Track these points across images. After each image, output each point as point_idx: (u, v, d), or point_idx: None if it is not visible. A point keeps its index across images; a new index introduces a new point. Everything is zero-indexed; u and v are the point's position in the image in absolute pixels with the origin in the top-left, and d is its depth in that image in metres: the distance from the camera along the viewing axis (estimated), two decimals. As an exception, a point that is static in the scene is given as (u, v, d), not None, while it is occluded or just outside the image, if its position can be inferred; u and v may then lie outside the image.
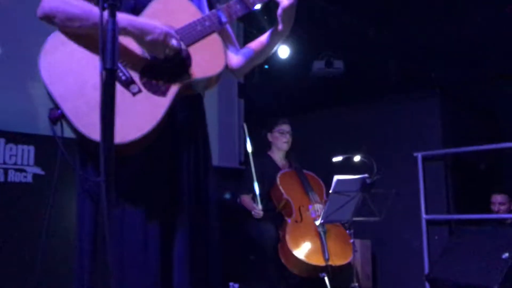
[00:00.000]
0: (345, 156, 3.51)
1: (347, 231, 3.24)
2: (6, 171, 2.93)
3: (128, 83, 1.36)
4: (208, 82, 1.51)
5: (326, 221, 3.10)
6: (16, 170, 2.97)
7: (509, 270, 3.00)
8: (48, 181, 3.00)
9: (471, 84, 4.92)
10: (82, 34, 1.37)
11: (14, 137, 3.00)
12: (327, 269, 3.07)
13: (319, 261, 3.12)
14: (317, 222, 3.19)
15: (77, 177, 1.44)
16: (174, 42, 1.37)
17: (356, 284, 3.11)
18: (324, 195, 3.59)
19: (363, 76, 5.13)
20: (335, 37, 4.86)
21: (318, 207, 3.45)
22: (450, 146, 4.48)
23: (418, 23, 4.34)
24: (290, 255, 3.20)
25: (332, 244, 3.22)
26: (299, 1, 1.48)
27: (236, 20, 1.54)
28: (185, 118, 1.49)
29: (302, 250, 3.21)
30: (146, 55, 1.41)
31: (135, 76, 1.38)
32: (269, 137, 3.81)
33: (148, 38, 1.34)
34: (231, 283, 3.67)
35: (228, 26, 1.63)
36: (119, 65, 1.36)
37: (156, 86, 1.39)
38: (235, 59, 1.66)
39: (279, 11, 1.49)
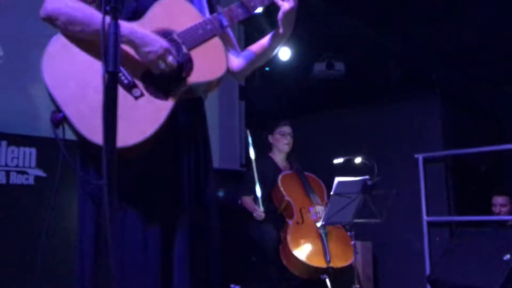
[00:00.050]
0: (346, 158, 3.52)
1: (348, 233, 3.24)
2: (8, 173, 2.94)
3: (130, 87, 1.37)
4: (209, 85, 1.51)
5: (327, 223, 3.10)
6: (18, 172, 2.97)
7: (510, 271, 3.01)
8: (50, 183, 3.00)
9: (471, 86, 4.92)
10: (83, 39, 1.37)
11: (16, 139, 3.00)
12: (329, 271, 3.07)
13: (320, 263, 3.12)
14: (318, 224, 3.19)
15: (78, 179, 1.45)
16: (170, 58, 1.37)
17: (357, 286, 3.12)
18: (325, 197, 3.60)
19: (363, 78, 5.13)
20: (336, 39, 4.86)
21: (319, 209, 3.45)
22: (451, 148, 4.49)
23: (419, 25, 4.34)
24: (291, 257, 3.20)
25: (333, 246, 3.22)
26: (299, 3, 1.48)
27: (236, 23, 1.55)
28: (185, 120, 1.50)
29: (304, 252, 3.21)
30: None
31: (137, 80, 1.39)
32: (270, 139, 3.82)
33: (147, 49, 1.34)
34: (232, 285, 3.67)
35: (228, 29, 1.63)
36: (121, 69, 1.36)
37: (158, 90, 1.39)
38: (236, 61, 1.66)
39: (280, 14, 1.49)
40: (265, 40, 1.61)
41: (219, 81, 1.49)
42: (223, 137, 4.60)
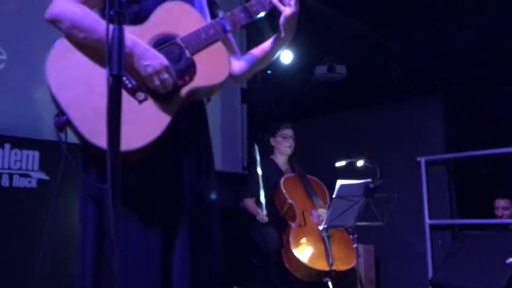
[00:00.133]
0: (348, 160, 3.51)
1: (351, 236, 3.24)
2: (11, 176, 2.95)
3: (134, 91, 1.38)
4: (212, 89, 1.52)
5: (329, 226, 3.10)
6: (21, 175, 2.98)
7: (512, 274, 3.00)
8: (53, 187, 2.99)
9: (472, 86, 4.92)
10: (87, 45, 1.38)
11: (19, 142, 3.01)
12: (331, 274, 3.07)
13: (323, 266, 3.12)
14: (321, 227, 3.19)
15: (80, 181, 1.45)
16: (166, 76, 1.36)
17: (360, 289, 3.11)
18: (328, 200, 3.59)
19: (365, 80, 5.14)
20: (337, 42, 4.87)
21: (322, 211, 3.45)
22: (453, 150, 4.48)
23: (419, 25, 4.34)
24: (293, 259, 3.20)
25: (336, 249, 3.22)
26: (300, 8, 1.49)
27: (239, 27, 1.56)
28: (187, 123, 1.50)
29: (306, 255, 3.21)
30: None
31: (141, 84, 1.40)
32: (272, 141, 3.82)
33: (146, 62, 1.34)
34: (234, 287, 3.67)
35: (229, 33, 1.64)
36: (126, 73, 1.37)
37: (161, 94, 1.40)
38: (236, 65, 1.67)
39: (281, 19, 1.50)
40: (266, 44, 1.61)
41: (221, 84, 1.50)
42: (225, 140, 4.61)
